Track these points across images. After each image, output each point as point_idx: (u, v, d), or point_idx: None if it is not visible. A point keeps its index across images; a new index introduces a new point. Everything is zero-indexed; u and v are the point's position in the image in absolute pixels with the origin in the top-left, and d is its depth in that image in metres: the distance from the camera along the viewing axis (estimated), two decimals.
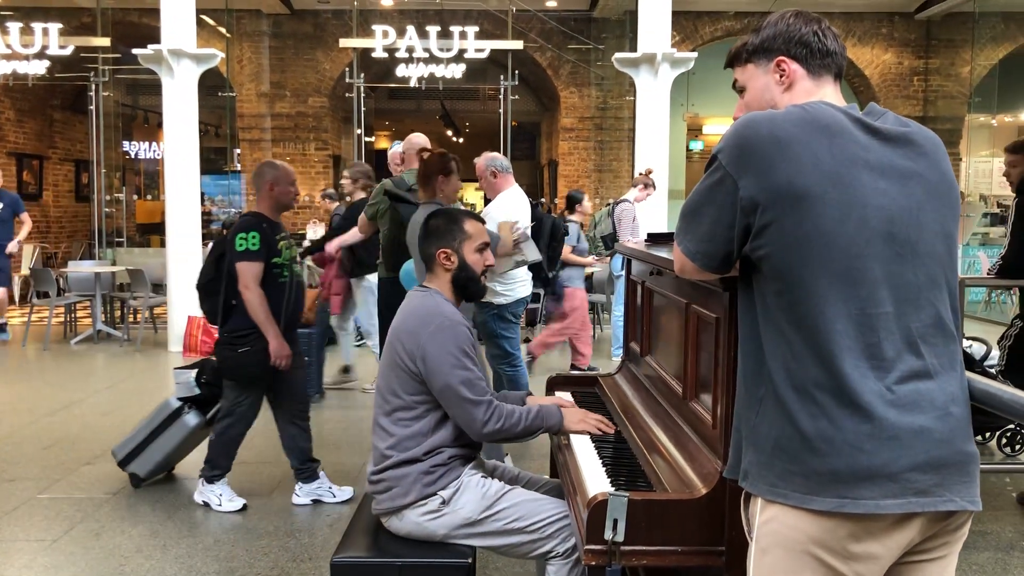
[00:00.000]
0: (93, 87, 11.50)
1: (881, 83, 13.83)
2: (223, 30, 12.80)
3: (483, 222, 2.75)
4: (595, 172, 13.98)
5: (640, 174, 8.73)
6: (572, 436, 2.52)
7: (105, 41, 11.44)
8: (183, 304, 8.88)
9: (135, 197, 16.67)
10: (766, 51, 1.71)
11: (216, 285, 4.14)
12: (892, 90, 13.84)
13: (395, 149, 5.89)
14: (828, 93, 1.67)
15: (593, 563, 1.86)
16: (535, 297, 8.08)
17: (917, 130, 1.61)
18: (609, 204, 8.76)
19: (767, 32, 1.71)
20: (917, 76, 13.91)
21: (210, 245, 4.38)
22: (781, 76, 1.69)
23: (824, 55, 1.67)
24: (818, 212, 1.47)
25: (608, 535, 1.84)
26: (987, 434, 5.26)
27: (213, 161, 15.76)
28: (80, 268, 9.96)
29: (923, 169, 1.56)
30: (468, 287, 2.63)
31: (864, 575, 1.49)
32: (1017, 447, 5.12)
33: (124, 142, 16.41)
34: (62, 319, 10.14)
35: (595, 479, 2.15)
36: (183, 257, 8.92)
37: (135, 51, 8.88)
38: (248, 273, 4.00)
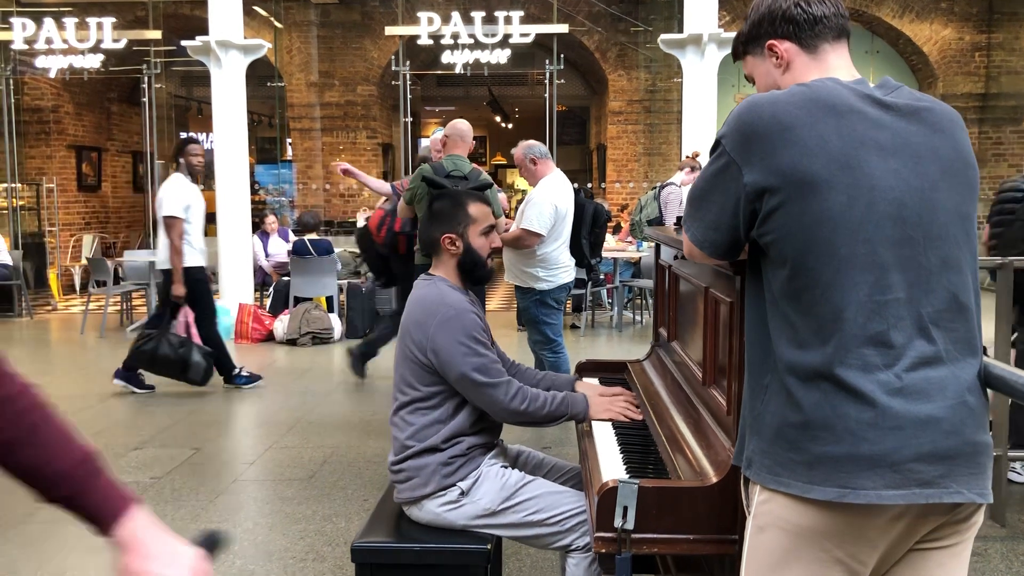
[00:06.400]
0: (146, 79, 11.73)
1: (940, 60, 13.42)
2: (274, 20, 12.93)
3: (489, 203, 2.71)
4: (644, 155, 13.84)
5: (687, 157, 8.62)
6: (594, 423, 2.50)
7: (157, 34, 11.65)
8: (234, 292, 9.03)
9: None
10: (756, 38, 1.68)
11: None
12: (952, 67, 13.41)
13: (436, 136, 5.91)
14: (831, 62, 1.60)
15: (603, 551, 1.84)
16: (579, 283, 8.03)
17: (932, 104, 1.54)
18: (655, 188, 8.67)
19: (753, 18, 1.68)
20: (979, 51, 13.46)
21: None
22: (777, 59, 1.65)
23: (813, 24, 1.60)
24: (824, 197, 1.42)
25: (618, 522, 1.82)
26: None
27: (268, 151, 16.00)
28: (135, 257, 10.18)
29: (938, 146, 1.50)
30: (474, 272, 2.59)
31: (860, 558, 1.46)
32: None
33: (181, 133, 16.72)
34: (118, 307, 10.39)
35: (611, 466, 2.12)
36: (234, 246, 9.07)
37: (184, 43, 9.03)
38: None
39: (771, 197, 1.46)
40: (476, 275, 2.61)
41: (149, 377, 6.40)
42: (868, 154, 1.44)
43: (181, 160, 6.26)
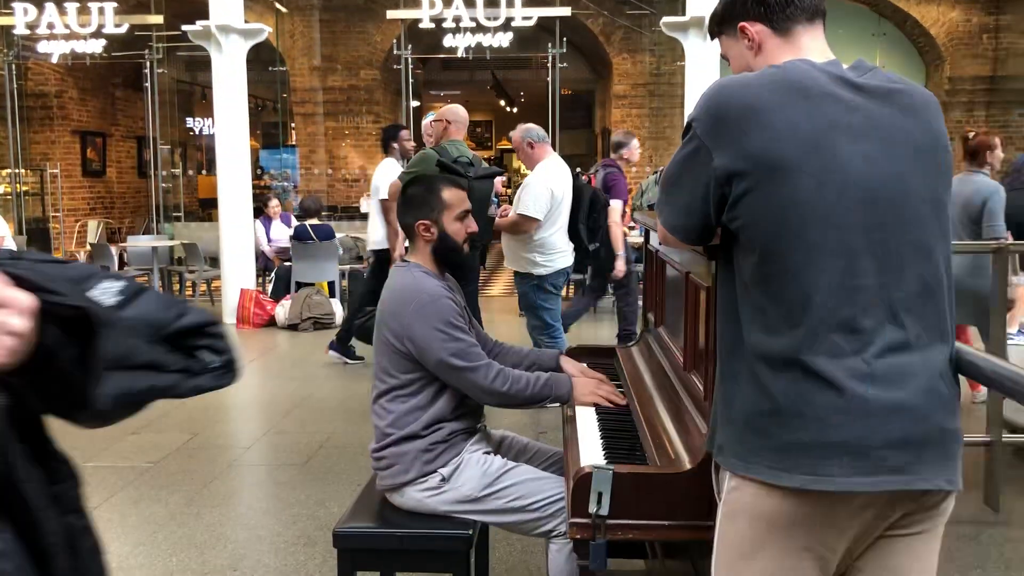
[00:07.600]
0: (148, 64, 11.70)
1: (947, 42, 13.28)
2: (279, 5, 12.87)
3: (464, 189, 2.68)
4: (649, 140, 13.75)
5: None
6: (577, 408, 2.49)
7: (158, 19, 11.62)
8: (236, 276, 9.04)
9: (202, 172, 16.97)
10: (727, 20, 1.65)
11: None
12: (960, 49, 13.26)
13: (427, 121, 5.86)
14: (804, 44, 1.57)
15: (578, 536, 1.83)
16: (579, 268, 7.97)
17: (906, 87, 1.52)
18: (656, 172, 8.62)
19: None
20: (987, 33, 13.31)
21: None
22: (748, 41, 1.62)
23: (784, 5, 1.57)
24: (794, 181, 1.40)
25: (592, 508, 1.81)
26: None
27: (273, 135, 15.96)
28: (138, 243, 10.20)
29: (911, 129, 1.47)
30: (449, 257, 2.58)
31: (829, 545, 1.45)
32: None
33: (187, 119, 16.69)
34: None
35: (590, 452, 2.11)
36: (235, 231, 9.07)
37: (185, 28, 9.01)
38: None
39: (740, 181, 1.44)
40: (451, 260, 2.59)
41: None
42: (839, 138, 1.41)
43: (394, 145, 6.48)
